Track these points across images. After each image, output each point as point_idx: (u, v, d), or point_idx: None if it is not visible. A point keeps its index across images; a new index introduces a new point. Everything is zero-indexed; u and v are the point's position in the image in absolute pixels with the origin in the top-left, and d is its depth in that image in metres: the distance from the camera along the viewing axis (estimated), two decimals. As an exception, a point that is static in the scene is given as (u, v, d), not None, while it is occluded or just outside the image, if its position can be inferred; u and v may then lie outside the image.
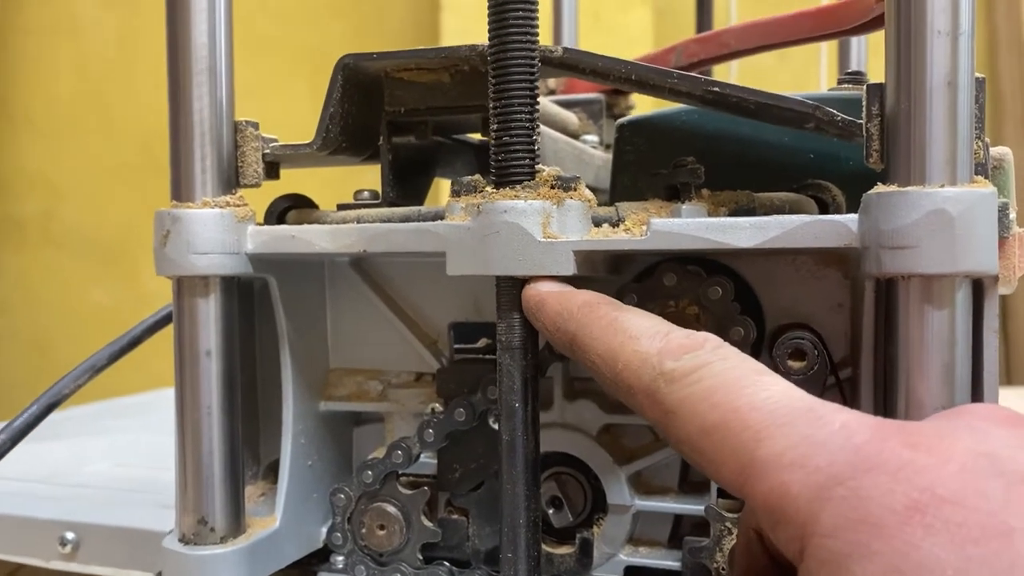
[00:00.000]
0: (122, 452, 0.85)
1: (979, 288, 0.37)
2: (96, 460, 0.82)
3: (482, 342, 0.52)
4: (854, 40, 0.98)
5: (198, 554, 0.46)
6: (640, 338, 0.34)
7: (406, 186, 0.50)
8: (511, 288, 0.41)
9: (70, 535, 0.63)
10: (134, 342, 0.57)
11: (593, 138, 0.68)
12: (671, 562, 0.47)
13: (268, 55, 2.52)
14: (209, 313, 0.46)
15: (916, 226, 0.35)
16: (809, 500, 0.27)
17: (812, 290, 0.45)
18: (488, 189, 0.41)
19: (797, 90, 0.50)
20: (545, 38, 0.41)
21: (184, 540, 0.47)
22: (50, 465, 0.79)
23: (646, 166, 0.48)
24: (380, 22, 2.61)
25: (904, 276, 0.36)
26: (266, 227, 0.47)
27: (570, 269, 0.40)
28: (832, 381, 0.44)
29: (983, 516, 0.25)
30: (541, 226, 0.40)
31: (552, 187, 0.41)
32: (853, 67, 1.02)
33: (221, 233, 0.46)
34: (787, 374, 0.41)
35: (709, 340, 0.33)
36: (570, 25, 1.04)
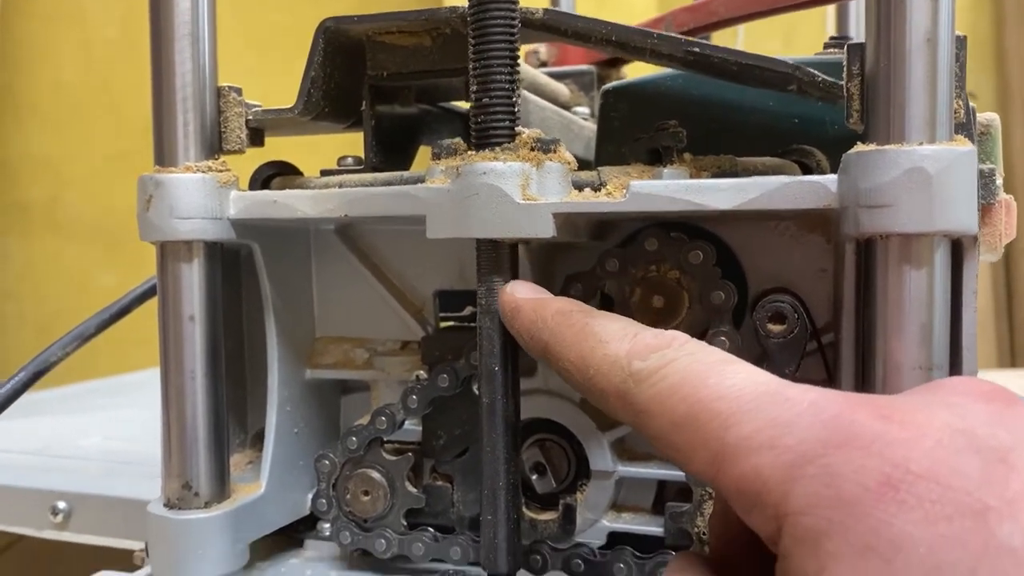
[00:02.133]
0: (117, 427, 0.86)
1: (958, 249, 0.37)
2: (90, 434, 0.82)
3: (467, 310, 0.52)
4: (852, 8, 0.97)
5: (182, 518, 0.47)
6: (609, 342, 0.33)
7: (390, 152, 0.50)
8: (491, 251, 0.41)
9: (62, 504, 0.63)
10: (123, 311, 0.57)
11: (584, 110, 0.68)
12: (654, 528, 0.47)
13: (275, 40, 2.52)
14: (192, 278, 0.46)
15: (894, 184, 0.34)
16: (781, 481, 0.26)
17: (795, 255, 0.45)
18: (468, 152, 0.41)
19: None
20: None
21: (168, 505, 0.47)
22: (44, 439, 0.80)
23: (631, 132, 0.48)
24: (385, 3, 2.60)
25: (882, 236, 0.35)
26: (248, 192, 0.47)
27: (549, 231, 0.40)
28: (815, 346, 0.44)
29: (958, 494, 0.24)
30: (520, 188, 0.40)
31: (532, 149, 0.40)
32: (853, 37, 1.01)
33: (203, 198, 0.45)
34: (767, 338, 0.41)
35: (676, 338, 0.33)
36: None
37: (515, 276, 0.41)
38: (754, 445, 0.27)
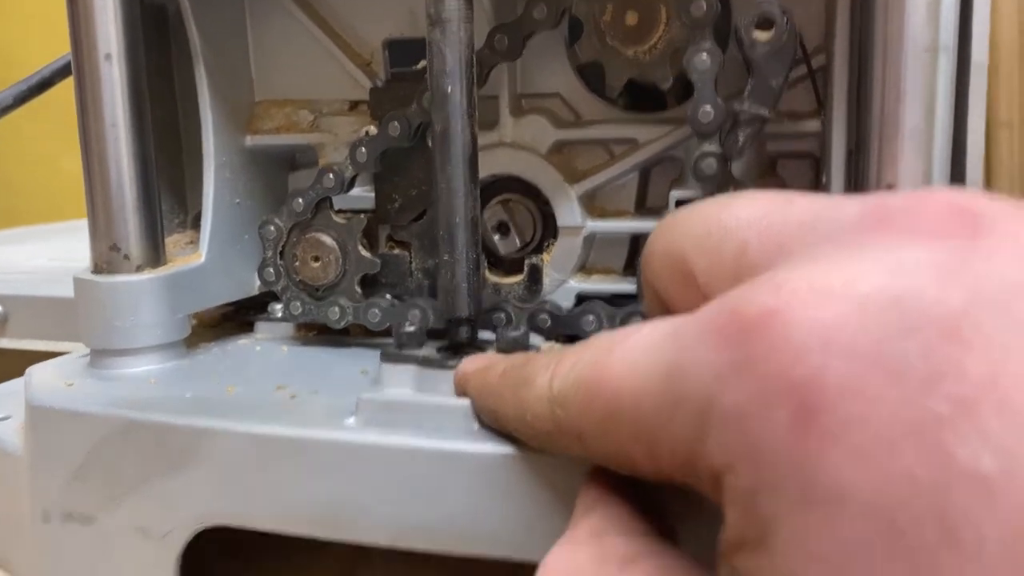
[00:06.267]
0: (62, 253, 0.81)
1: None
2: (34, 258, 0.78)
3: (422, 64, 0.47)
4: None
5: (111, 281, 0.43)
6: (535, 377, 0.27)
7: None
8: (439, -54, 0.36)
9: (-3, 308, 0.59)
10: (43, 84, 0.52)
11: None
12: (626, 286, 0.44)
13: None
14: (107, 8, 0.41)
15: None
16: (697, 439, 0.20)
17: (785, -30, 0.40)
18: None
19: None
20: None
21: (96, 270, 0.44)
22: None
23: None
24: None
25: None
26: (164, -91, 0.41)
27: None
28: (803, 72, 0.40)
29: (894, 407, 0.17)
30: None
31: None
32: None
33: (111, -89, 0.40)
34: (752, 47, 0.36)
35: (591, 340, 0.26)
36: None
37: (468, -17, 0.36)
38: (665, 413, 0.21)
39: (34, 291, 0.59)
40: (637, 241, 0.45)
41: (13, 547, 0.43)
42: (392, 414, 0.34)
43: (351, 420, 0.35)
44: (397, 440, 0.33)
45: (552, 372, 0.27)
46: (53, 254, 0.79)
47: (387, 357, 0.38)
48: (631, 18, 0.39)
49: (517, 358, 0.32)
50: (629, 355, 0.23)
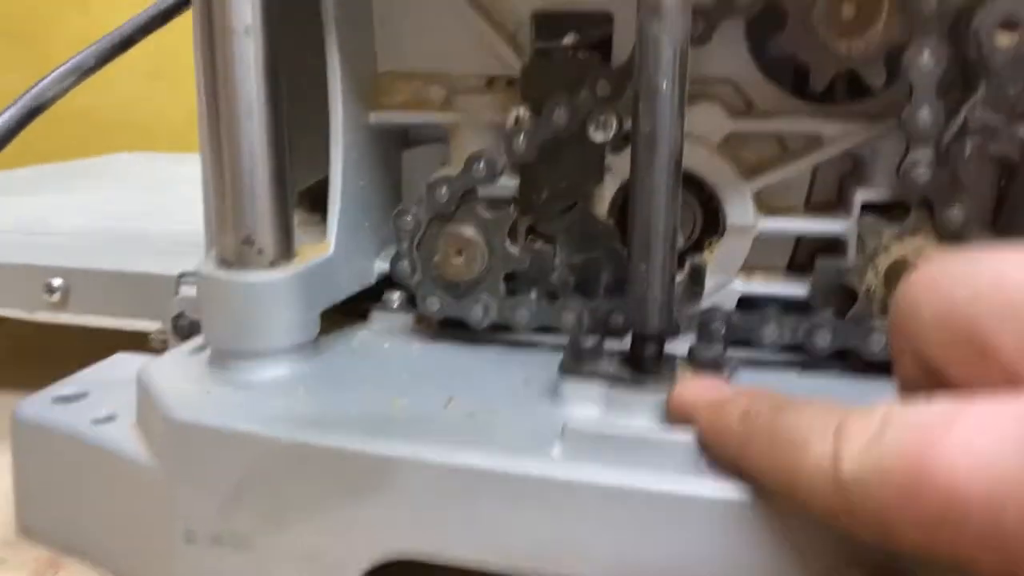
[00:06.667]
0: (97, 208, 0.76)
1: None
2: (72, 215, 0.72)
3: (569, 38, 0.43)
4: None
5: (245, 280, 0.39)
6: (807, 445, 0.25)
7: None
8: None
9: (57, 281, 0.54)
10: (125, 43, 0.46)
11: None
12: (795, 289, 0.41)
13: None
14: (246, -24, 0.36)
15: None
16: None
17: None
18: None
19: None
20: None
21: (224, 265, 0.39)
22: (22, 219, 0.70)
23: None
24: None
25: None
26: None
27: None
28: None
29: None
30: None
31: None
32: None
33: None
34: (991, 49, 0.33)
35: (886, 414, 0.23)
36: None
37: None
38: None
39: (96, 264, 0.54)
40: (802, 239, 0.42)
41: (138, 562, 0.39)
42: (605, 447, 0.32)
43: (556, 450, 0.32)
44: (616, 479, 0.31)
45: (835, 445, 0.24)
46: (90, 211, 0.74)
47: (568, 370, 0.36)
48: (848, 10, 0.35)
49: (758, 396, 0.30)
50: (971, 446, 0.20)
